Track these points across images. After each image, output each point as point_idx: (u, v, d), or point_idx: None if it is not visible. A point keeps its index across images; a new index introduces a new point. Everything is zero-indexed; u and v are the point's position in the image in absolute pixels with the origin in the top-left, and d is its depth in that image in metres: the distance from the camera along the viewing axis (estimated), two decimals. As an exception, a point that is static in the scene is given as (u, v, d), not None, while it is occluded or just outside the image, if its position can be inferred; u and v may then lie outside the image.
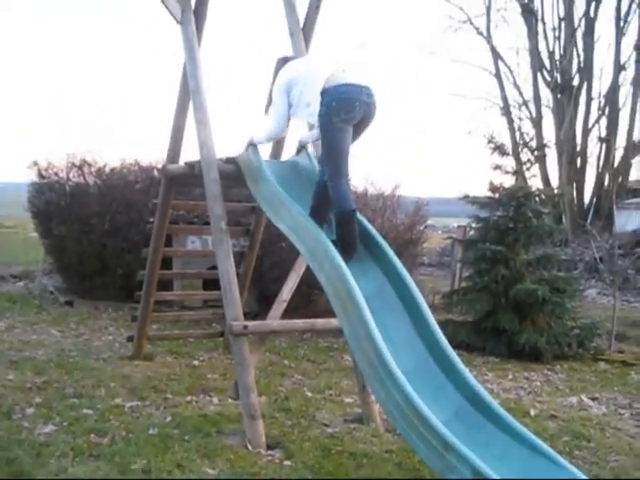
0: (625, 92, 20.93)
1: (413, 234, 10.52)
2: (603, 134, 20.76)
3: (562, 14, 20.88)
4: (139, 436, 4.75)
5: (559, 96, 20.78)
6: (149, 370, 6.68)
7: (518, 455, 3.75)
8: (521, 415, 5.67)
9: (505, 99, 21.78)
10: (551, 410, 6.04)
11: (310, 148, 5.51)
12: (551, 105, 21.27)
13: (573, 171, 20.46)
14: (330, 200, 4.78)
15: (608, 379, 7.35)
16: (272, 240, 8.43)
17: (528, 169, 9.28)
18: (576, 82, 20.74)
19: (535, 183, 9.79)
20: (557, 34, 21.11)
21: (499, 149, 8.89)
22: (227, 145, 6.05)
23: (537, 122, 21.21)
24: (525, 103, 21.81)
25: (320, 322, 5.62)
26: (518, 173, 9.11)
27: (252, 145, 5.23)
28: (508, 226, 8.66)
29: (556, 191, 19.30)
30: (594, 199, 20.51)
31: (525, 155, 9.54)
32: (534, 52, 21.10)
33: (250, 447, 4.66)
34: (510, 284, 8.36)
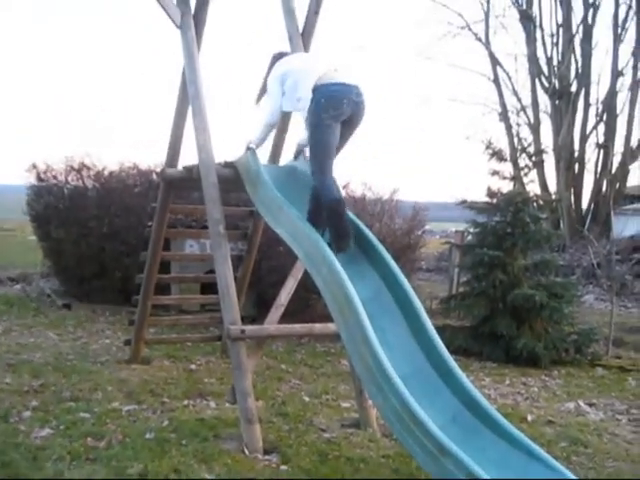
0: (623, 98, 21.01)
1: (411, 239, 10.54)
2: (601, 140, 20.81)
3: (560, 20, 20.95)
4: (136, 440, 4.75)
5: (557, 102, 20.82)
6: (146, 374, 6.67)
7: (515, 460, 3.76)
8: (518, 420, 5.67)
9: (503, 105, 21.85)
10: (548, 416, 6.05)
11: (307, 152, 5.51)
12: (549, 111, 21.32)
13: (571, 177, 20.50)
14: (341, 233, 4.76)
15: (605, 385, 7.36)
16: (270, 244, 8.43)
17: (526, 175, 9.28)
18: (574, 88, 20.79)
19: (533, 189, 9.81)
20: (555, 40, 21.18)
21: (497, 155, 8.85)
22: (226, 149, 6.06)
23: (535, 128, 21.25)
24: (523, 109, 21.87)
25: (318, 327, 5.63)
26: (516, 179, 9.06)
27: (250, 149, 5.25)
28: (506, 231, 8.67)
29: (554, 197, 19.32)
30: (592, 205, 20.54)
31: (523, 161, 9.55)
32: (532, 58, 21.15)
33: (247, 452, 4.66)
34: (508, 289, 8.37)
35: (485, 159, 9.15)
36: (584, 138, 20.87)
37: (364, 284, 4.57)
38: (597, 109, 20.97)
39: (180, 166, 6.41)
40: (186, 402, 5.80)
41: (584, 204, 20.85)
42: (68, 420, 5.11)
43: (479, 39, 22.20)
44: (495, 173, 9.05)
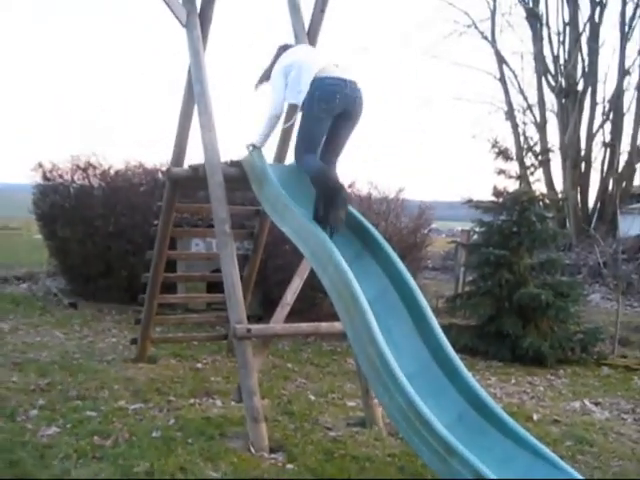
0: (630, 97, 20.94)
1: (417, 238, 10.53)
2: (607, 139, 20.76)
3: (567, 19, 20.89)
4: (142, 439, 4.76)
5: (563, 101, 20.78)
6: (152, 373, 6.69)
7: (521, 459, 3.76)
8: (524, 419, 5.67)
9: (509, 103, 21.81)
10: (554, 415, 6.04)
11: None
12: (555, 110, 21.28)
13: (577, 176, 20.46)
14: (333, 203, 4.79)
15: (611, 384, 7.35)
16: (276, 243, 8.44)
17: (532, 173, 9.24)
18: (581, 87, 20.75)
19: (539, 187, 9.76)
20: (562, 39, 21.14)
21: (503, 153, 8.84)
22: (232, 148, 6.07)
23: (541, 127, 21.22)
24: (529, 107, 21.84)
25: (324, 326, 5.62)
26: (522, 177, 9.04)
27: (256, 148, 5.26)
28: (512, 230, 8.65)
29: (560, 196, 19.30)
30: (598, 204, 20.50)
31: (529, 159, 9.51)
32: (539, 56, 21.11)
33: (253, 450, 4.66)
34: (514, 288, 8.36)
35: (491, 158, 9.13)
36: (591, 137, 20.83)
37: (370, 283, 4.57)
38: (604, 108, 20.95)
39: (186, 165, 6.42)
40: (192, 401, 5.81)
41: (590, 203, 20.82)
42: (75, 419, 5.12)
43: (485, 37, 22.19)
44: (501, 172, 9.04)
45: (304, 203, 4.95)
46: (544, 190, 17.47)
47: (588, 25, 20.72)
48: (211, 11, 6.14)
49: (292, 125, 5.64)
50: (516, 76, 22.12)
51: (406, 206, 10.73)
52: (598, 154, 21.03)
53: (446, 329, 4.80)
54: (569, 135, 20.20)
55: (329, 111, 4.87)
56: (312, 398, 6.12)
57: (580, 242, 17.83)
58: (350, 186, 10.21)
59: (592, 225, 18.68)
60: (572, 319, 8.59)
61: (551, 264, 8.78)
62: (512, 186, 8.98)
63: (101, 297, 10.46)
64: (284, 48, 5.37)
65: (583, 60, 20.87)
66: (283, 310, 5.62)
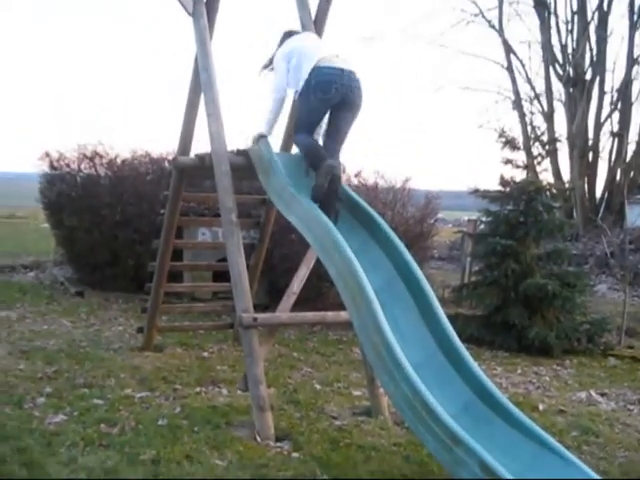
0: (638, 86, 20.82)
1: (423, 227, 10.52)
2: (615, 128, 20.64)
3: (575, 7, 20.72)
4: (148, 427, 4.78)
5: (571, 90, 20.65)
6: (159, 361, 6.71)
7: (526, 449, 3.76)
8: (530, 410, 5.67)
9: (517, 93, 21.66)
10: (560, 405, 6.04)
11: (320, 141, 5.51)
12: (563, 99, 21.14)
13: (585, 165, 20.35)
14: (338, 192, 4.90)
15: (618, 375, 7.34)
16: (282, 232, 8.44)
17: (539, 163, 9.18)
18: (589, 76, 20.59)
19: (546, 177, 9.72)
20: (570, 27, 20.96)
21: (510, 143, 8.80)
22: (238, 137, 6.06)
23: (549, 116, 21.10)
24: (537, 97, 21.69)
25: (330, 315, 5.63)
26: (529, 167, 9.01)
27: (262, 137, 5.26)
28: (518, 220, 8.63)
29: (567, 185, 19.21)
30: (605, 194, 20.40)
31: (536, 149, 9.45)
32: (546, 46, 20.96)
33: (259, 439, 4.68)
34: (520, 278, 8.35)
35: (498, 147, 9.09)
36: (598, 126, 20.71)
37: (377, 272, 4.57)
38: (612, 97, 20.79)
39: (192, 154, 6.42)
40: (198, 389, 5.83)
41: (598, 193, 20.72)
42: (81, 406, 5.15)
43: (493, 26, 22.03)
44: (508, 162, 9.01)
45: (310, 192, 4.95)
46: (551, 180, 17.40)
47: (597, 14, 20.55)
48: (218, 0, 6.13)
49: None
50: (524, 65, 21.98)
51: (412, 196, 10.71)
52: (606, 144, 20.91)
53: (452, 319, 4.80)
54: (577, 124, 20.09)
55: (325, 100, 4.96)
56: (318, 387, 6.14)
57: (587, 232, 17.77)
58: (356, 175, 10.21)
59: (599, 215, 18.58)
60: (578, 309, 8.57)
61: (558, 254, 8.76)
62: (519, 176, 8.96)
63: (108, 286, 10.48)
64: (289, 34, 5.43)
65: (591, 49, 20.72)
66: (289, 299, 5.62)
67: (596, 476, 3.56)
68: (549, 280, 8.22)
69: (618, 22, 33.53)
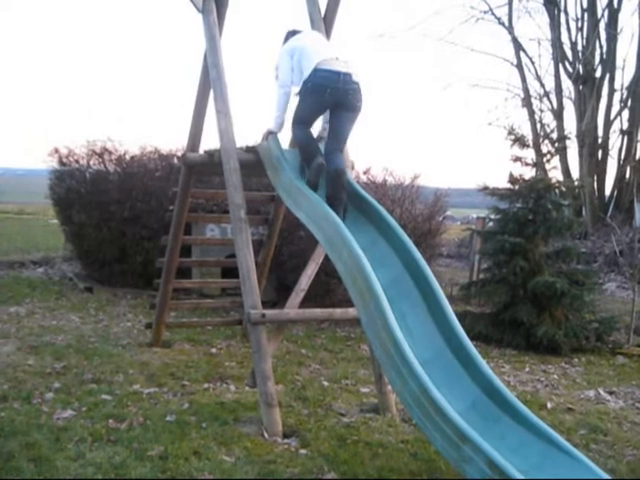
0: (648, 84, 20.68)
1: (432, 225, 10.49)
2: (625, 126, 20.55)
3: (585, 5, 20.64)
4: (156, 422, 4.80)
5: (581, 88, 20.57)
6: (167, 357, 6.73)
7: (534, 448, 3.76)
8: (538, 408, 5.67)
9: (526, 90, 21.61)
10: (568, 403, 6.03)
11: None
12: (573, 97, 21.07)
13: (594, 163, 20.28)
14: (344, 187, 5.00)
15: (626, 373, 7.32)
16: (291, 229, 8.45)
17: (548, 161, 9.15)
18: (598, 74, 20.51)
19: (555, 175, 9.68)
20: (580, 25, 20.88)
21: (519, 141, 8.77)
22: (247, 133, 6.08)
23: (558, 114, 21.03)
24: (546, 94, 21.62)
25: (338, 311, 5.63)
26: (538, 165, 8.98)
27: (271, 133, 5.28)
28: (527, 218, 8.61)
29: (576, 183, 19.13)
30: (615, 192, 20.32)
31: (546, 147, 9.41)
32: (556, 43, 20.89)
33: (266, 435, 4.69)
34: (529, 276, 8.33)
35: (507, 145, 9.07)
36: (608, 124, 20.62)
37: (385, 269, 4.57)
38: (621, 95, 20.69)
39: (201, 150, 6.42)
40: (206, 385, 5.84)
41: (607, 191, 20.64)
42: (90, 402, 5.17)
43: (502, 23, 21.97)
44: (517, 159, 8.98)
45: (319, 190, 4.96)
46: (560, 178, 17.36)
47: (607, 11, 20.46)
48: (227, -4, 6.13)
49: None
50: (533, 63, 21.93)
51: (421, 193, 10.70)
52: (615, 142, 20.85)
53: (461, 316, 4.80)
54: (586, 122, 20.01)
55: (320, 103, 5.11)
56: (326, 384, 6.14)
57: (596, 230, 17.71)
58: (365, 172, 10.21)
59: (608, 213, 18.52)
60: (587, 308, 8.55)
61: (566, 252, 8.73)
62: (528, 173, 8.93)
63: (116, 282, 10.52)
64: (292, 33, 5.50)
65: (601, 47, 20.63)
66: (297, 296, 5.62)
67: (604, 474, 3.55)
68: (558, 278, 8.20)
69: (628, 19, 33.33)
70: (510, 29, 21.79)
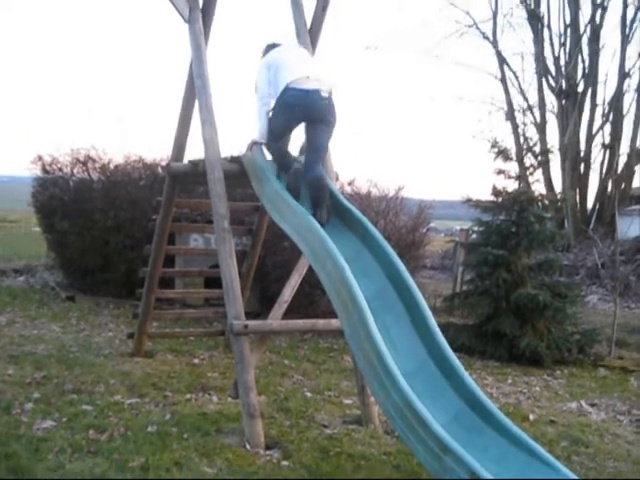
0: (629, 99, 20.91)
1: (416, 236, 10.52)
2: (607, 140, 20.73)
3: (568, 20, 20.85)
4: (138, 433, 4.76)
5: (564, 102, 20.74)
6: (149, 367, 6.69)
7: (516, 459, 3.76)
8: (520, 420, 5.67)
9: (510, 104, 21.77)
10: (550, 415, 6.04)
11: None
12: (555, 110, 21.25)
13: (576, 177, 20.44)
14: (326, 191, 5.08)
15: (608, 385, 7.35)
16: (275, 240, 8.44)
17: (531, 174, 9.22)
18: (581, 88, 20.70)
19: (538, 188, 9.75)
20: (563, 40, 21.08)
21: (503, 154, 8.83)
22: (232, 144, 6.08)
23: (541, 127, 21.19)
24: (530, 108, 21.79)
25: (321, 323, 5.63)
26: (521, 178, 9.03)
27: (256, 144, 5.30)
28: (510, 230, 8.65)
29: (559, 196, 19.27)
30: (597, 205, 20.48)
31: (529, 160, 9.49)
32: (539, 57, 21.07)
33: (249, 446, 4.66)
34: (511, 288, 8.36)
35: (491, 158, 9.12)
36: (590, 138, 20.80)
37: (368, 281, 4.57)
38: (604, 109, 20.89)
39: (186, 160, 6.41)
40: (188, 396, 5.81)
41: (589, 204, 20.80)
42: (70, 412, 5.12)
43: (486, 38, 22.13)
44: (500, 172, 9.03)
45: (303, 201, 4.96)
46: (543, 191, 17.48)
47: (589, 27, 20.67)
48: (213, 6, 6.14)
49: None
50: (517, 77, 22.09)
51: (405, 204, 10.73)
52: (597, 155, 21.00)
53: (444, 328, 4.80)
54: (569, 136, 20.18)
55: (290, 119, 5.24)
56: (308, 395, 6.12)
57: (578, 243, 17.82)
58: (350, 184, 10.22)
59: (591, 226, 18.64)
60: (569, 320, 8.59)
61: (549, 265, 8.78)
62: (511, 186, 8.98)
63: (99, 291, 10.47)
64: (272, 46, 5.56)
65: (583, 61, 20.84)
66: (281, 307, 5.61)
67: (586, 487, 3.56)
68: (540, 290, 8.24)
69: (610, 35, 33.68)
70: (494, 43, 21.96)
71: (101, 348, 7.35)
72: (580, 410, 6.34)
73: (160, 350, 7.44)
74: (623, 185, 20.41)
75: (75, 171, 11.00)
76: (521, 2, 21.60)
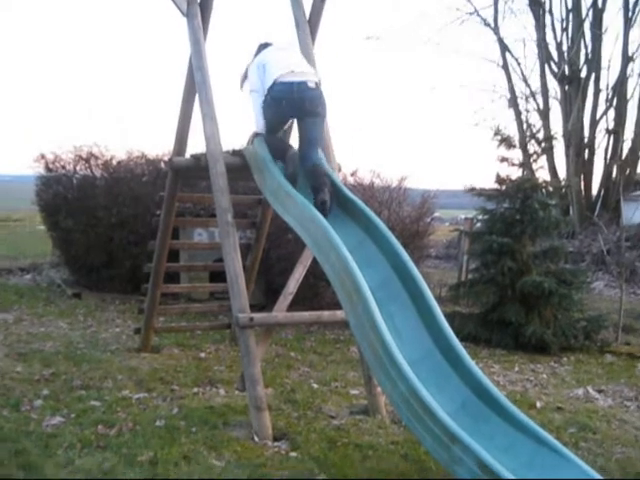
0: (633, 84, 20.79)
1: (420, 226, 10.50)
2: (611, 126, 20.63)
3: (570, 5, 20.72)
4: (146, 428, 4.78)
5: (567, 88, 20.64)
6: (156, 362, 6.71)
7: (524, 447, 3.76)
8: (527, 407, 5.68)
9: (512, 91, 21.67)
10: (557, 402, 6.05)
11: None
12: (559, 97, 21.14)
13: (580, 163, 20.35)
14: (325, 175, 5.14)
15: (614, 371, 7.34)
16: (279, 232, 8.44)
17: (535, 161, 9.19)
18: (584, 73, 20.59)
19: (542, 175, 9.73)
20: (565, 25, 20.94)
21: (506, 141, 8.80)
22: (233, 137, 6.08)
23: (544, 114, 21.10)
24: (532, 95, 21.68)
25: (326, 314, 5.63)
26: (525, 165, 9.01)
27: (257, 136, 5.31)
28: (515, 218, 8.63)
29: (563, 183, 19.20)
30: (601, 191, 20.39)
31: (532, 147, 9.45)
32: (541, 43, 20.95)
33: (256, 439, 4.68)
34: (517, 276, 8.35)
35: (494, 146, 9.09)
36: (594, 124, 20.70)
37: (373, 271, 4.57)
38: (607, 95, 20.76)
39: (188, 155, 6.41)
40: (196, 390, 5.83)
41: (594, 190, 20.72)
42: (79, 408, 5.15)
43: (488, 24, 22.02)
44: (504, 160, 9.00)
45: (305, 193, 4.96)
46: (547, 177, 17.40)
47: (591, 11, 20.53)
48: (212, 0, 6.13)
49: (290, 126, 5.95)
50: (519, 63, 21.96)
51: (409, 194, 10.70)
52: (601, 141, 20.90)
53: (449, 317, 4.80)
54: (572, 122, 20.09)
55: (279, 113, 5.35)
56: (315, 386, 6.14)
57: (583, 230, 17.78)
58: (353, 174, 10.22)
59: (595, 212, 18.58)
60: (575, 307, 8.57)
61: (554, 252, 8.76)
62: (515, 174, 8.96)
63: (104, 287, 10.49)
64: (264, 46, 5.63)
65: (586, 47, 20.70)
66: (286, 299, 5.62)
67: (594, 473, 3.56)
68: (546, 278, 8.23)
69: (613, 20, 33.50)
70: (496, 30, 21.86)
71: (108, 344, 7.37)
72: (587, 396, 6.34)
73: (167, 345, 7.46)
74: (628, 170, 20.32)
75: (78, 168, 11.01)
76: (522, -13, 21.51)
